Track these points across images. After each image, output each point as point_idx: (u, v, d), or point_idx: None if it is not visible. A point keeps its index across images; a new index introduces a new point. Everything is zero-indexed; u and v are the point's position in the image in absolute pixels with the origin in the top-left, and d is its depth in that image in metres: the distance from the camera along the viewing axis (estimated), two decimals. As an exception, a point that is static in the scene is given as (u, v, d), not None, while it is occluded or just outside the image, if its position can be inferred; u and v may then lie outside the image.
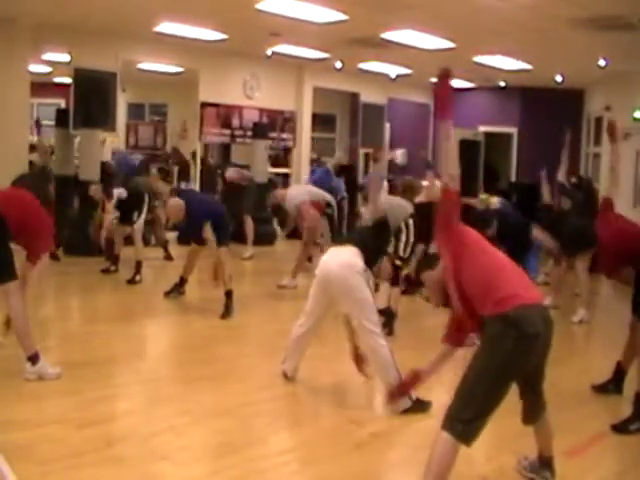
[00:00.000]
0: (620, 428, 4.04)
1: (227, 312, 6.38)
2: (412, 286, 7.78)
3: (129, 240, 8.13)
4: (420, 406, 4.14)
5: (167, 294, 7.06)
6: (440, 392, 4.31)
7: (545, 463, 3.24)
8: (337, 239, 6.05)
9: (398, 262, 5.95)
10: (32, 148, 10.11)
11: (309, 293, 4.54)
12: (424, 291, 3.42)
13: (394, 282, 6.06)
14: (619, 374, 4.71)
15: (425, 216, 7.16)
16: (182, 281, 7.11)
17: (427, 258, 3.67)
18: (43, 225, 4.54)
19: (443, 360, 3.51)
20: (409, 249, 6.00)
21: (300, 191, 8.32)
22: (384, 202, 6.04)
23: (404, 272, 7.55)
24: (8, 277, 4.29)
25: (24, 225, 4.34)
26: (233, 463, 3.41)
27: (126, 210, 8.03)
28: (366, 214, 7.33)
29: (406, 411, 4.10)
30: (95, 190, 8.30)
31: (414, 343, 5.48)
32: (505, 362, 2.77)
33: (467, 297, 2.96)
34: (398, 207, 6.15)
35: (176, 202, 6.59)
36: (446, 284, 3.08)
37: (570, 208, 7.93)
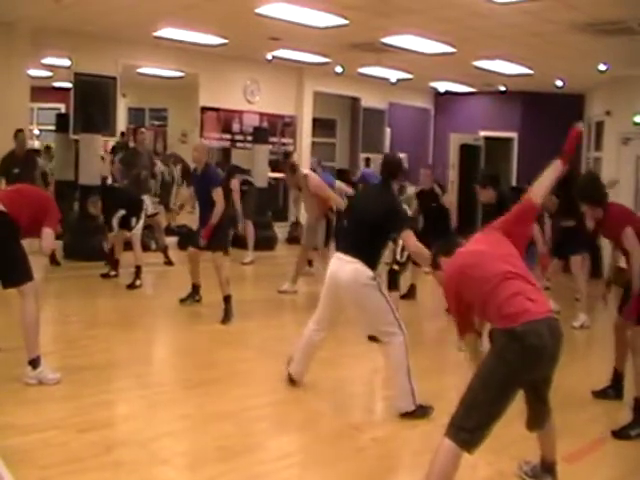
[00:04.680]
0: (620, 434, 4.04)
1: (227, 317, 6.37)
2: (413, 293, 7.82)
3: (129, 245, 8.12)
4: (421, 411, 4.13)
5: (182, 301, 7.00)
6: (441, 397, 4.31)
7: (547, 468, 3.24)
8: (338, 245, 6.02)
9: (396, 267, 5.94)
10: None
11: (320, 299, 4.50)
12: (437, 275, 3.28)
13: (393, 287, 6.05)
14: (617, 379, 4.72)
15: (426, 202, 7.32)
16: (195, 288, 7.06)
17: (446, 242, 3.36)
18: (51, 210, 4.59)
19: None
20: (406, 253, 5.99)
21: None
22: None
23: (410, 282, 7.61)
24: (24, 278, 4.32)
25: (35, 219, 4.40)
26: (233, 468, 3.41)
27: (124, 216, 8.02)
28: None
29: (407, 416, 4.09)
30: (93, 205, 8.28)
31: (415, 347, 5.46)
32: (510, 374, 2.76)
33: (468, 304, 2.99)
34: None
35: (202, 143, 6.50)
36: None
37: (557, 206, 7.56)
